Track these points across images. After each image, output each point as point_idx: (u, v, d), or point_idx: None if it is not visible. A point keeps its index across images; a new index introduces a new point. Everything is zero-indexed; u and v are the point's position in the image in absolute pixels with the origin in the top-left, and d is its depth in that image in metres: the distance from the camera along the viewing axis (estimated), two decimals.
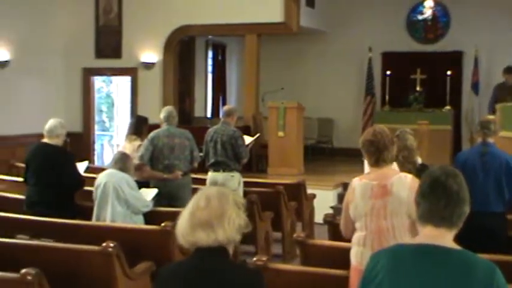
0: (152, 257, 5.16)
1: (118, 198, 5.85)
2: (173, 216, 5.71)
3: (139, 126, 7.53)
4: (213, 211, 2.46)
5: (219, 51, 15.83)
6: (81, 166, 7.04)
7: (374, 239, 3.82)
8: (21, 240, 5.30)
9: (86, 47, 12.26)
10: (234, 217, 2.48)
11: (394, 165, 4.18)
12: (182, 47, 12.74)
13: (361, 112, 13.73)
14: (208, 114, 15.35)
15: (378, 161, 3.91)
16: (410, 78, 13.37)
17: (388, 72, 13.41)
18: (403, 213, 3.76)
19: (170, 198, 6.73)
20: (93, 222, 5.95)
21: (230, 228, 2.46)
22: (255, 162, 11.19)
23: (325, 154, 14.25)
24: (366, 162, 4.14)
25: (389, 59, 13.98)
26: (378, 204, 3.82)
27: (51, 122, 6.38)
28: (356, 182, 3.96)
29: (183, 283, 2.48)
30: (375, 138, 3.92)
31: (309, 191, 8.65)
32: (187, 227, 2.47)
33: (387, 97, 13.40)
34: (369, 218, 3.84)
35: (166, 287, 2.53)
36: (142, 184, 6.35)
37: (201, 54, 14.98)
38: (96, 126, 13.21)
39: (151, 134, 7.06)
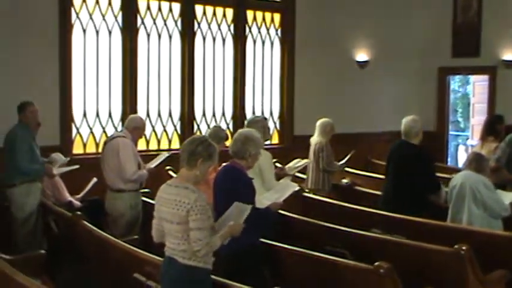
0: (508, 266, 4.92)
1: (475, 199, 5.67)
2: None
3: (494, 126, 7.25)
4: None
5: None
6: None
7: None
8: (374, 234, 5.51)
9: (442, 46, 12.14)
10: None
11: None
12: None
13: None
14: None
15: None
16: None
17: None
18: None
19: None
20: (447, 223, 5.87)
21: None
22: None
23: None
24: None
25: None
26: None
27: (406, 121, 6.40)
28: None
29: None
30: None
31: None
32: None
33: None
34: None
35: None
36: (498, 187, 6.05)
37: None
38: (450, 126, 13.04)
39: (509, 136, 6.72)
